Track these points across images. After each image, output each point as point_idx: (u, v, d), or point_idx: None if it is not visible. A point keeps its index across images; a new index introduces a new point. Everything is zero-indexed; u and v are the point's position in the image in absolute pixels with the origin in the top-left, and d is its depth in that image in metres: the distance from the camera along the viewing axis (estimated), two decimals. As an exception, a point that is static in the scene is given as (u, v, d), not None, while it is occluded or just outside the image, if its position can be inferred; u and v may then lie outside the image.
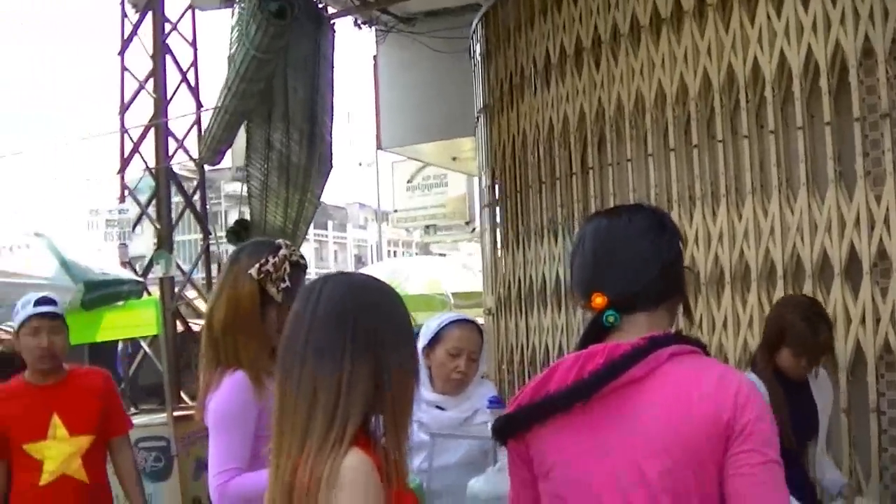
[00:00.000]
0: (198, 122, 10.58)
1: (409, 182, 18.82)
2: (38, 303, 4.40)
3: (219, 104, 6.93)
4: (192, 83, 10.38)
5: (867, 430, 4.45)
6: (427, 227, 19.51)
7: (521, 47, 6.42)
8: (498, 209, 7.04)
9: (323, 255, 60.55)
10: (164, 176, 10.14)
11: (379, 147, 11.15)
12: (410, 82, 10.43)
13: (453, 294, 13.32)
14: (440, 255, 24.05)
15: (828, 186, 4.61)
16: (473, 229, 18.01)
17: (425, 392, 3.87)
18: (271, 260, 3.25)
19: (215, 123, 7.14)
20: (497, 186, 6.99)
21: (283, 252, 3.30)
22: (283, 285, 3.24)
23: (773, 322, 4.07)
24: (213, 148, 7.47)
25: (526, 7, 6.39)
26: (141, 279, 8.89)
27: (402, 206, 19.27)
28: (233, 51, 6.64)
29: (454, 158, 12.48)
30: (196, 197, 10.59)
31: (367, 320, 2.13)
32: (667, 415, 2.04)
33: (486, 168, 7.05)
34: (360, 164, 45.70)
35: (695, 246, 5.06)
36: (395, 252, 52.85)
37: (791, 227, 4.72)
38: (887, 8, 4.44)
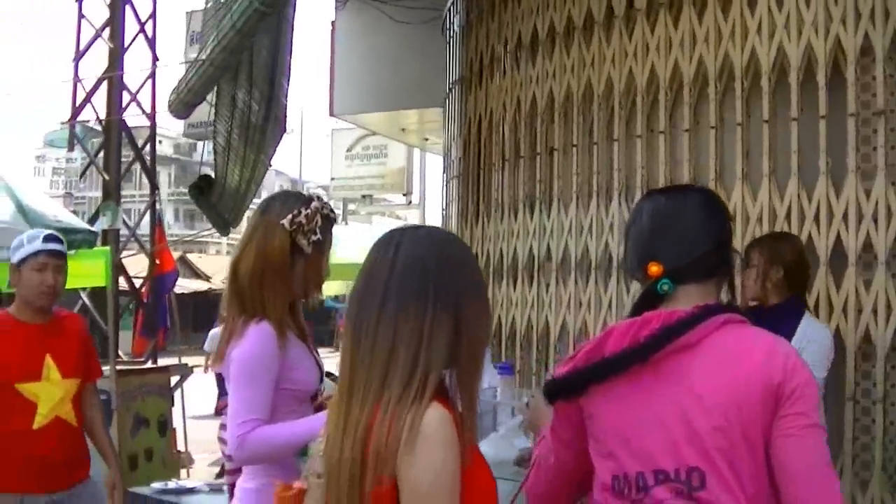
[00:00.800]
0: (153, 75, 10.48)
1: (348, 151, 18.78)
2: (47, 239, 4.32)
3: (204, 55, 6.77)
4: (150, 35, 10.28)
5: (841, 418, 4.59)
6: (364, 196, 19.48)
7: (502, 23, 6.44)
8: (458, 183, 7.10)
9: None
10: (115, 128, 10.01)
11: (331, 114, 11.10)
12: (368, 50, 10.37)
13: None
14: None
15: (818, 178, 4.74)
16: (410, 201, 18.10)
17: None
18: (304, 212, 3.21)
19: (195, 76, 7.03)
20: (463, 160, 7.04)
21: (315, 204, 3.28)
22: (314, 238, 3.21)
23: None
24: (186, 101, 7.40)
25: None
26: (94, 230, 8.77)
27: (339, 174, 19.21)
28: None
29: (403, 129, 12.47)
30: (146, 150, 10.50)
31: (449, 271, 2.10)
32: (720, 377, 2.15)
33: (458, 140, 7.06)
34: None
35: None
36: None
37: (779, 216, 4.84)
38: (888, 9, 4.58)
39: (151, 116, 10.43)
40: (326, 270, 3.37)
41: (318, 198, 3.38)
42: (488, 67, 6.64)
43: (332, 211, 3.40)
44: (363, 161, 18.62)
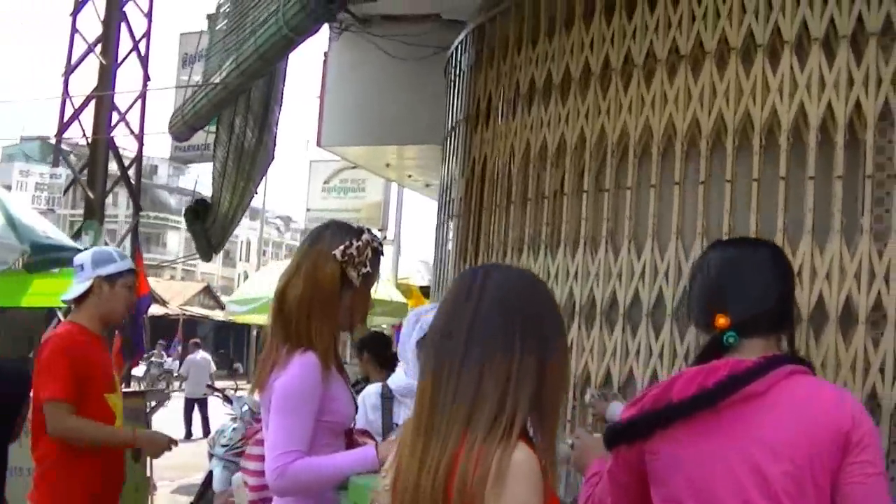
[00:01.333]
0: (143, 95, 10.46)
1: (325, 183, 18.83)
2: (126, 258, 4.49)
3: (217, 78, 6.74)
4: (143, 54, 10.27)
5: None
6: (341, 229, 19.43)
7: (513, 67, 6.51)
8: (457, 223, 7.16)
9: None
10: (103, 146, 9.98)
11: (318, 144, 11.11)
12: (359, 83, 10.40)
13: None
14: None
15: (831, 237, 4.82)
16: (385, 237, 18.11)
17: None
18: (355, 243, 3.27)
19: (204, 98, 7.01)
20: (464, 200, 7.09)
21: (365, 237, 3.34)
22: (364, 270, 3.27)
23: None
24: (191, 124, 7.41)
25: (516, 30, 6.52)
26: (84, 248, 8.73)
27: (315, 205, 19.24)
28: (251, 24, 6.48)
29: (387, 164, 12.50)
30: (131, 171, 10.47)
31: (534, 311, 2.16)
32: (790, 425, 2.24)
33: (461, 180, 7.10)
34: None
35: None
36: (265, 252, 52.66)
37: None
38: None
39: (139, 137, 10.41)
40: (371, 303, 3.41)
41: (369, 230, 3.43)
42: (494, 109, 6.71)
43: (380, 244, 3.45)
44: (340, 194, 18.69)
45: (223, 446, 8.62)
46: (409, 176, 13.12)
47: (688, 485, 2.30)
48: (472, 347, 2.11)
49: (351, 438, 3.44)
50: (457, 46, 7.56)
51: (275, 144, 9.62)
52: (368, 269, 3.29)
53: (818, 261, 4.83)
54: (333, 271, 3.24)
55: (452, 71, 7.70)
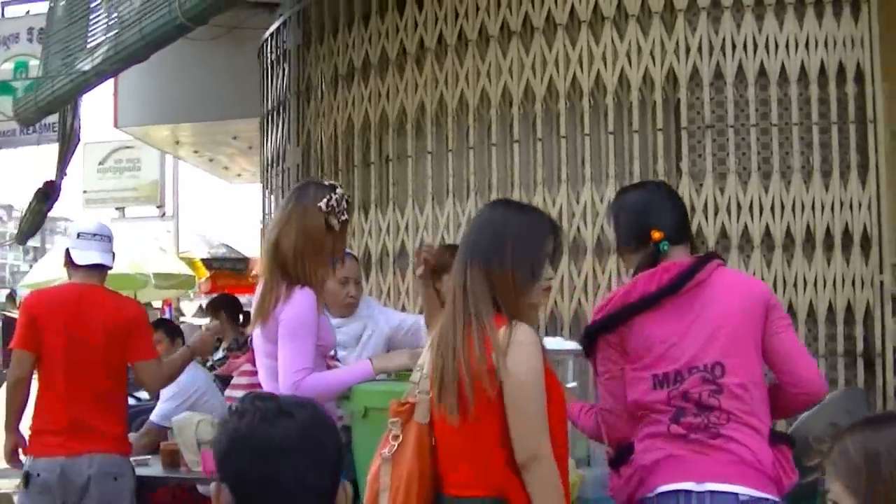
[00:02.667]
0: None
1: (100, 164, 18.70)
2: None
3: (90, 65, 6.89)
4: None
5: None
6: (117, 208, 19.46)
7: (336, 48, 7.15)
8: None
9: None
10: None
11: (115, 125, 11.36)
12: (154, 64, 10.68)
13: (154, 274, 13.58)
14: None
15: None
16: (164, 213, 18.29)
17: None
18: (334, 196, 3.93)
19: (70, 83, 7.16)
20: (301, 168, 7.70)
21: (339, 191, 4.00)
22: (342, 217, 3.93)
23: None
24: (45, 109, 7.58)
25: (335, 15, 7.21)
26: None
27: (91, 187, 19.10)
28: (130, 11, 6.69)
29: (177, 142, 12.85)
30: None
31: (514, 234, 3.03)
32: (730, 298, 3.18)
33: (295, 150, 7.70)
34: None
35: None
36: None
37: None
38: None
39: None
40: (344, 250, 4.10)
41: (340, 186, 4.08)
42: (316, 89, 7.35)
43: (349, 197, 4.10)
44: (116, 174, 18.66)
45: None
46: (196, 152, 13.52)
47: (660, 350, 3.14)
48: (473, 263, 2.98)
49: (326, 362, 4.11)
50: (277, 29, 8.10)
51: (80, 126, 9.84)
52: (345, 216, 3.94)
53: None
54: (320, 220, 3.88)
55: (274, 51, 8.24)
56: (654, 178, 5.71)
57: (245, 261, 17.88)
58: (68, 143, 8.98)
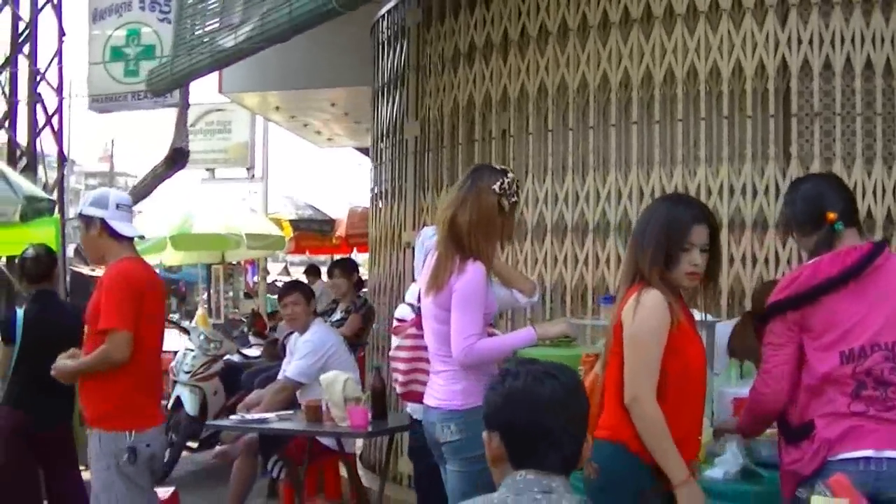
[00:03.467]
0: (59, 52, 11.00)
1: (191, 126, 19.27)
2: None
3: (232, 41, 7.28)
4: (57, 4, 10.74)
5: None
6: (207, 169, 20.03)
7: (462, 25, 7.66)
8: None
9: None
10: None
11: (220, 91, 11.90)
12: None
13: (246, 235, 14.10)
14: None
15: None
16: (253, 176, 18.89)
17: None
18: (506, 179, 4.43)
19: (210, 57, 7.58)
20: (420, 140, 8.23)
21: (511, 175, 4.49)
22: (513, 199, 4.43)
23: None
24: (180, 80, 8.06)
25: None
26: (53, 198, 9.33)
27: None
28: None
29: (277, 108, 13.40)
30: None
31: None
32: None
33: (414, 123, 8.22)
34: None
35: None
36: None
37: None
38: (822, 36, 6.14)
39: (59, 90, 10.96)
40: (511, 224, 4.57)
41: (511, 170, 4.57)
42: (446, 62, 7.84)
43: (519, 182, 4.60)
44: (206, 136, 19.23)
45: (186, 373, 9.55)
46: (293, 117, 14.08)
47: (847, 328, 3.56)
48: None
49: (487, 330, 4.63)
50: (394, 6, 8.61)
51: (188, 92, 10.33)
52: (516, 198, 4.44)
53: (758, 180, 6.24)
54: (493, 201, 4.38)
55: (390, 28, 8.76)
56: (764, 160, 6.20)
57: (331, 222, 18.38)
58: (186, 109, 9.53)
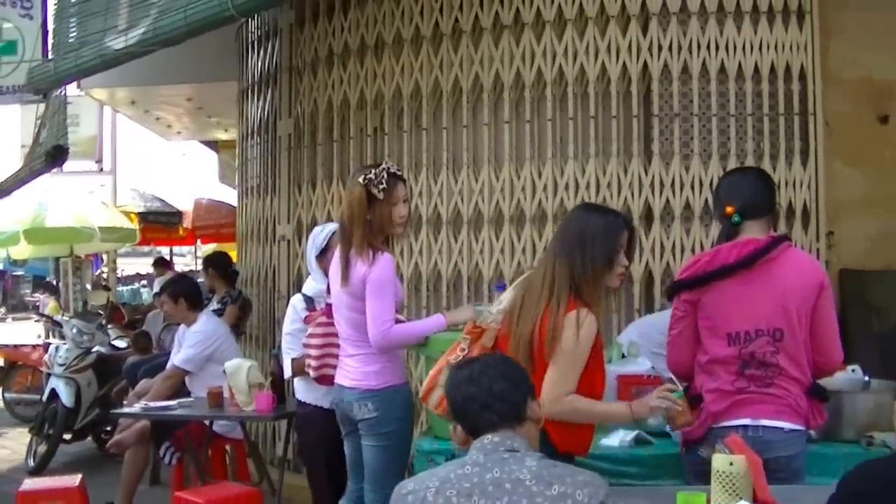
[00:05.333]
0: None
1: (38, 119, 18.84)
2: None
3: (123, 43, 7.37)
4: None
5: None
6: (54, 163, 19.56)
7: (329, 29, 8.00)
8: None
9: None
10: None
11: (79, 87, 11.86)
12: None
13: (99, 228, 14.06)
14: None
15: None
16: (102, 168, 18.66)
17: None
18: (373, 171, 4.79)
19: (98, 59, 7.60)
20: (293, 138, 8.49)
21: (382, 166, 4.85)
22: (381, 186, 4.76)
23: None
24: (63, 79, 8.09)
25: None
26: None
27: (29, 141, 19.20)
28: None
29: (133, 102, 13.40)
30: None
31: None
32: (794, 277, 4.04)
33: (287, 120, 8.47)
34: None
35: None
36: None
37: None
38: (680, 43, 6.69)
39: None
40: (402, 213, 4.89)
41: (387, 162, 4.93)
42: (310, 66, 8.13)
43: (398, 170, 4.95)
44: (53, 129, 18.82)
45: (61, 365, 9.60)
46: (146, 111, 14.10)
47: (735, 313, 4.00)
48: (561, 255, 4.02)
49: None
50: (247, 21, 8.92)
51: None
52: (384, 185, 4.75)
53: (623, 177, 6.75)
54: (360, 192, 4.75)
55: (260, 28, 9.01)
56: (627, 156, 6.72)
57: (178, 214, 18.39)
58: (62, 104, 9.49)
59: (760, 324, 3.99)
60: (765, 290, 4.00)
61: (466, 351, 4.03)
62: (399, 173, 4.95)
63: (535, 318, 3.92)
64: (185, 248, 24.58)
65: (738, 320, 4.02)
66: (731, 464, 3.22)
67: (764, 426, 3.96)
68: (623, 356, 5.21)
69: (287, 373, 5.81)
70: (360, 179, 4.77)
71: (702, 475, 3.62)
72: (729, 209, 4.13)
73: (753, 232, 4.12)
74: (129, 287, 27.00)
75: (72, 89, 12.10)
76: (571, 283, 3.92)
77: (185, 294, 7.45)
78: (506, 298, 4.09)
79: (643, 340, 5.45)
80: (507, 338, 3.98)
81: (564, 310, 3.87)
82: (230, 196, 17.78)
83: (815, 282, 4.06)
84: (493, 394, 3.01)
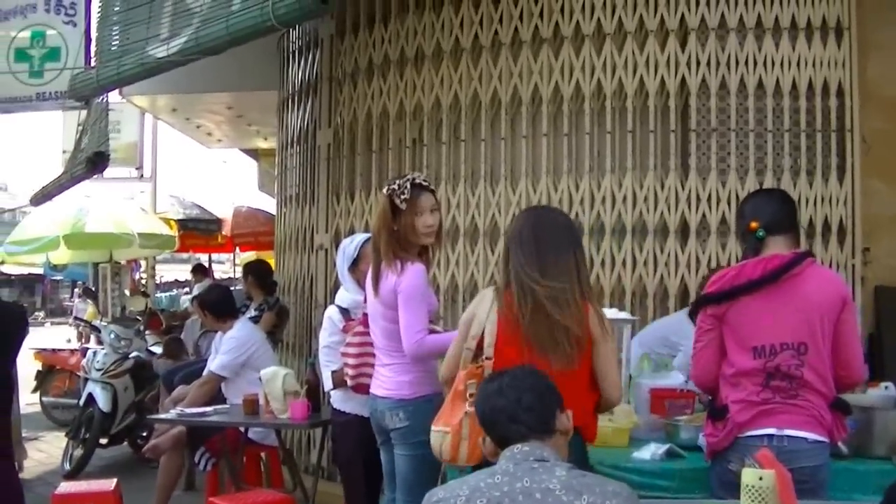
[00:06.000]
0: None
1: (79, 126, 19.09)
2: None
3: (164, 51, 7.47)
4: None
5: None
6: (96, 168, 19.84)
7: (367, 42, 8.08)
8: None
9: None
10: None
11: (120, 94, 12.02)
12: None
13: (138, 234, 14.22)
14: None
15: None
16: (142, 175, 18.87)
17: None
18: (398, 182, 4.84)
19: (140, 67, 7.74)
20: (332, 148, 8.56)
21: (407, 176, 4.90)
22: (404, 197, 4.79)
23: None
24: (105, 86, 8.23)
25: (370, 9, 8.10)
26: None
27: (71, 147, 19.49)
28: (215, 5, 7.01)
29: (174, 109, 13.55)
30: None
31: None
32: (817, 291, 4.07)
33: (327, 130, 8.55)
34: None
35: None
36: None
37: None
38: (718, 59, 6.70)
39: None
40: (428, 223, 4.89)
41: (413, 173, 5.01)
42: (361, 73, 8.19)
43: (424, 180, 4.97)
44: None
45: (98, 370, 9.72)
46: (188, 119, 14.25)
47: (761, 326, 4.04)
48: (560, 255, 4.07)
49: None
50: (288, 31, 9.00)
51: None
52: (407, 195, 4.78)
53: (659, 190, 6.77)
54: (385, 204, 4.81)
55: (301, 39, 9.10)
56: (665, 171, 6.74)
57: (216, 222, 18.54)
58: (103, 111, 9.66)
59: (785, 337, 4.02)
60: (789, 304, 4.04)
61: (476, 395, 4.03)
62: (425, 183, 4.96)
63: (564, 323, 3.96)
64: (224, 256, 24.77)
65: (763, 334, 4.05)
66: (761, 478, 3.23)
67: (789, 436, 3.99)
68: (654, 369, 5.23)
69: (327, 385, 5.83)
70: (385, 190, 4.82)
71: (728, 486, 3.68)
72: (754, 224, 4.18)
73: (778, 248, 4.15)
74: (167, 293, 27.20)
75: (113, 96, 12.26)
76: (578, 278, 4.07)
77: (209, 304, 7.55)
78: (486, 331, 4.08)
79: (643, 349, 5.58)
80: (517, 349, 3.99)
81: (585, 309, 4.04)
82: (269, 204, 17.94)
83: (839, 296, 4.09)
84: (521, 406, 3.06)
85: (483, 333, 4.04)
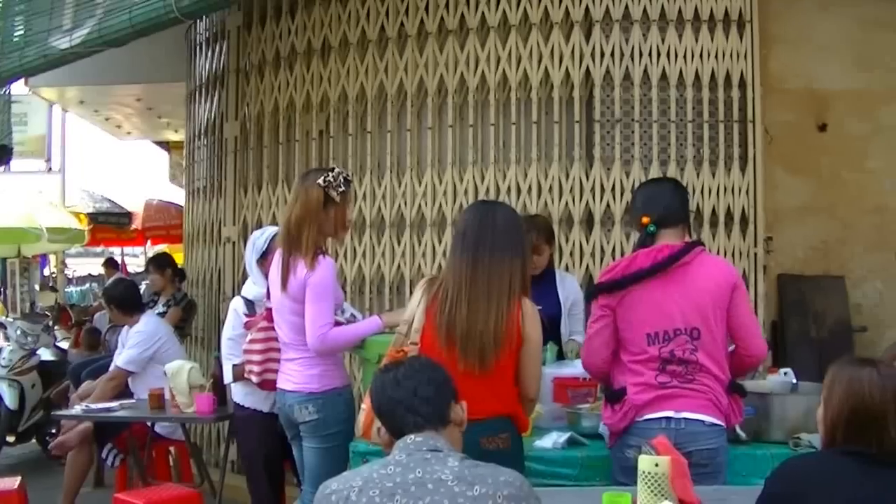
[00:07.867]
0: None
1: None
2: None
3: (67, 43, 7.35)
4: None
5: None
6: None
7: (274, 33, 8.03)
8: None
9: None
10: None
11: (26, 84, 11.80)
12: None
13: (47, 228, 13.96)
14: None
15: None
16: (50, 168, 18.55)
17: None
18: (332, 174, 4.82)
19: (43, 59, 7.55)
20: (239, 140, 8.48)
21: (337, 169, 4.89)
22: (340, 189, 4.80)
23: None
24: (7, 78, 8.02)
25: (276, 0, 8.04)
26: None
27: None
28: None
29: (81, 101, 13.33)
30: None
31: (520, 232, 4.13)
32: (707, 278, 4.15)
33: (234, 123, 8.47)
34: None
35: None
36: None
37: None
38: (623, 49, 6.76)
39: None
40: (350, 217, 4.97)
41: (338, 167, 4.96)
42: (267, 64, 8.12)
43: (349, 175, 4.98)
44: (1, 128, 18.68)
45: (4, 367, 9.52)
46: (96, 111, 14.04)
47: (653, 313, 4.10)
48: (495, 252, 4.05)
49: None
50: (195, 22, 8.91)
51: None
52: (343, 188, 4.80)
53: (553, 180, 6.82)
54: (319, 194, 4.76)
55: (208, 30, 9.00)
56: (569, 161, 6.79)
57: (127, 215, 18.32)
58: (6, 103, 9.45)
59: (678, 324, 4.09)
60: (680, 291, 4.11)
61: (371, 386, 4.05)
62: (350, 178, 5.03)
63: (489, 321, 3.99)
64: (137, 249, 24.46)
65: (656, 321, 4.12)
66: (657, 465, 3.27)
67: (686, 419, 4.05)
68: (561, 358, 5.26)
69: (227, 378, 5.79)
70: (320, 181, 4.77)
71: (627, 471, 3.72)
72: (645, 219, 4.25)
73: (669, 239, 4.22)
74: (80, 288, 26.80)
75: (20, 88, 12.08)
76: (510, 278, 4.06)
77: (115, 299, 7.47)
78: (416, 317, 4.12)
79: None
80: (434, 339, 4.02)
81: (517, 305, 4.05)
82: (181, 197, 17.71)
83: (728, 282, 4.18)
84: (417, 397, 3.06)
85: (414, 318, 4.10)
